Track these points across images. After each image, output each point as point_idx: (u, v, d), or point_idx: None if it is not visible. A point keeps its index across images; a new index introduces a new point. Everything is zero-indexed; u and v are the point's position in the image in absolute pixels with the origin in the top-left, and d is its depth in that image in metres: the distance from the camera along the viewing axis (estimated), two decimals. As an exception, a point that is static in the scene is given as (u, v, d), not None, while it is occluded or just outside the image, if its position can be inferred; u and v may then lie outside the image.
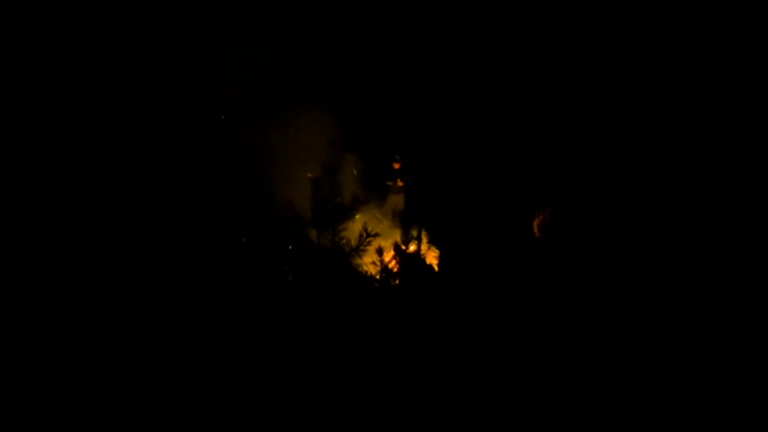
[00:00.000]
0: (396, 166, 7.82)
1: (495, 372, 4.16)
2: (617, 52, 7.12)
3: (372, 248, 4.90)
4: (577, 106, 7.27)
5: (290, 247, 4.59)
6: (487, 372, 4.16)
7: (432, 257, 6.96)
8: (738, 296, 4.62)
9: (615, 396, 3.99)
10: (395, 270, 5.27)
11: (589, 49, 7.28)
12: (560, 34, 7.46)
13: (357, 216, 4.75)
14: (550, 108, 7.41)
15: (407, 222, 7.59)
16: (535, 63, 7.55)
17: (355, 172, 6.86)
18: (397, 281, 5.12)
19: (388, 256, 5.69)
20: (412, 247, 7.29)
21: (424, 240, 7.26)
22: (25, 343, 4.38)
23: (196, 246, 5.28)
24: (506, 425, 3.96)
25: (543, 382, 4.10)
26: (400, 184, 7.86)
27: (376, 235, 4.83)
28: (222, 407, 3.97)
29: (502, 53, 7.70)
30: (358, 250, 4.74)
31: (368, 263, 4.97)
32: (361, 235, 4.74)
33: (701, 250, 5.23)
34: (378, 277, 4.98)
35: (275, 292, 4.47)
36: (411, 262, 5.40)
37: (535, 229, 5.41)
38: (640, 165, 6.48)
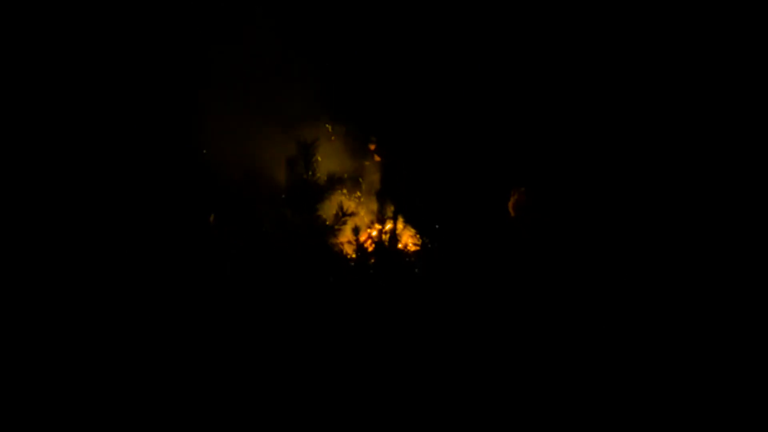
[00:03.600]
0: (372, 147, 7.80)
1: (474, 357, 4.18)
2: (597, 37, 7.14)
3: (348, 227, 4.87)
4: (554, 85, 7.28)
5: (265, 227, 4.54)
6: (466, 357, 4.17)
7: (408, 236, 6.97)
8: (736, 284, 4.63)
9: (600, 388, 4.01)
10: (371, 249, 5.26)
11: (567, 33, 7.28)
12: (540, 20, 7.45)
13: (333, 195, 4.72)
14: (527, 88, 7.42)
15: (383, 201, 7.57)
16: (509, 45, 7.54)
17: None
18: (372, 261, 5.11)
19: (364, 235, 5.67)
20: (388, 226, 7.29)
21: (400, 219, 7.26)
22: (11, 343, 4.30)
23: (166, 226, 5.20)
24: (489, 414, 3.98)
25: (524, 366, 4.12)
26: (377, 159, 7.83)
27: (352, 214, 4.80)
28: (196, 393, 3.93)
29: (476, 37, 7.67)
30: (334, 229, 4.72)
31: (344, 243, 4.95)
32: (336, 215, 4.71)
33: (685, 234, 5.27)
34: (354, 256, 4.96)
35: (248, 273, 4.43)
36: (386, 242, 5.40)
37: (511, 209, 5.42)
38: (620, 143, 6.52)
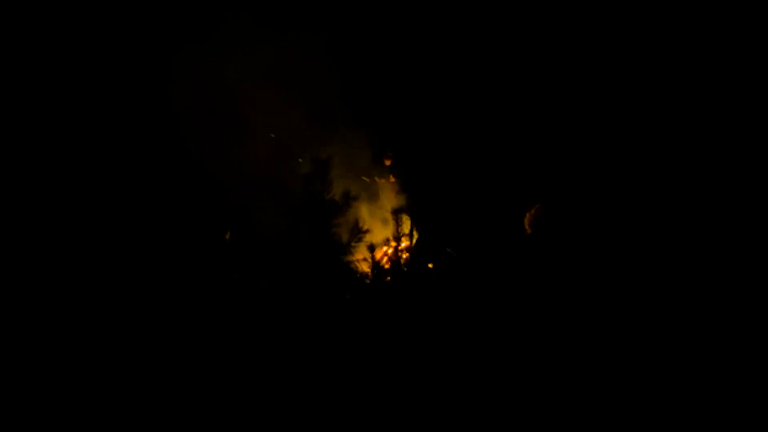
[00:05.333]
0: (387, 162, 7.80)
1: (489, 371, 4.15)
2: (608, 43, 7.10)
3: (363, 245, 4.88)
4: (568, 99, 7.26)
5: (280, 244, 4.56)
6: (481, 371, 4.15)
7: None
8: (738, 296, 4.60)
9: (609, 394, 3.98)
10: (387, 267, 5.25)
11: (579, 41, 7.26)
12: (550, 27, 7.43)
13: (348, 212, 4.73)
14: (540, 102, 7.41)
15: (399, 219, 7.57)
16: (525, 57, 7.53)
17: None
18: (388, 278, 5.11)
19: (380, 252, 5.66)
20: (404, 244, 7.27)
21: (416, 236, 7.24)
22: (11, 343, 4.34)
23: (180, 240, 5.22)
24: (500, 425, 3.95)
25: (538, 379, 4.09)
26: (392, 179, 7.84)
27: (367, 231, 4.81)
28: (207, 404, 3.94)
29: (491, 48, 7.67)
30: (350, 246, 4.73)
31: (360, 260, 4.94)
32: (352, 232, 4.72)
33: (699, 245, 5.22)
34: (370, 274, 4.96)
35: (263, 289, 4.44)
36: (403, 259, 5.39)
37: (527, 226, 5.41)
38: (634, 158, 6.48)
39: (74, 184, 6.11)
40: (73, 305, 4.61)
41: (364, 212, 7.17)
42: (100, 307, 4.55)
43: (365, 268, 4.97)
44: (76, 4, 6.87)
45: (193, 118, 6.84)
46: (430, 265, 5.96)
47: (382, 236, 7.06)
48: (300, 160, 6.57)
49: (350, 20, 7.74)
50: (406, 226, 7.47)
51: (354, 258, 4.84)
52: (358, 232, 4.71)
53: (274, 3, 7.42)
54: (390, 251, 7.11)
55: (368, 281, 4.96)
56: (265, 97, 7.14)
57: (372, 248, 5.00)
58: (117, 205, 5.96)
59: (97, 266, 5.03)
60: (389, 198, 7.89)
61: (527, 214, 5.40)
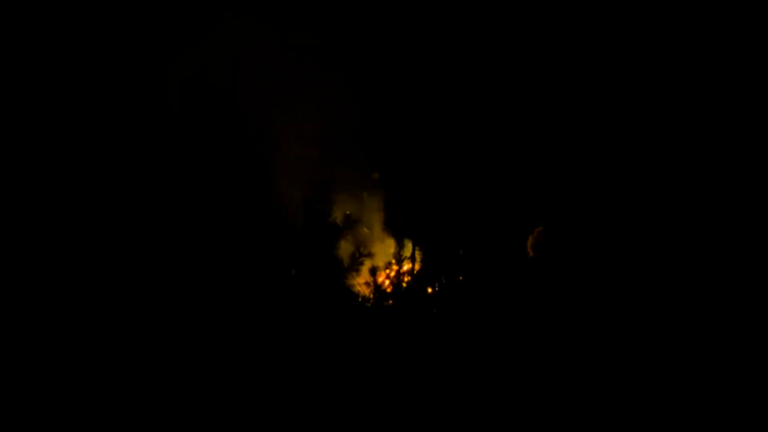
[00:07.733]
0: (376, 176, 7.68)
1: (491, 395, 4.13)
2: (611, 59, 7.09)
3: (365, 268, 4.86)
4: (568, 120, 7.26)
5: (284, 269, 4.53)
6: (482, 396, 4.12)
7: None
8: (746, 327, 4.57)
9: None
10: (389, 291, 5.23)
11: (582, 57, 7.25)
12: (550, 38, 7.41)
13: (350, 235, 4.73)
14: (540, 122, 7.40)
15: (401, 241, 7.53)
16: (523, 72, 7.52)
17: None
18: (390, 302, 5.08)
19: (382, 276, 5.64)
20: (406, 267, 7.25)
21: (418, 259, 7.21)
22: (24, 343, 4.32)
23: (181, 260, 5.20)
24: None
25: (539, 405, 4.07)
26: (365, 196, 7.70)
27: (369, 254, 4.80)
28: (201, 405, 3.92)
29: (488, 61, 7.65)
30: (351, 270, 4.71)
31: (362, 283, 4.92)
32: (353, 255, 4.71)
33: (701, 266, 5.18)
34: (371, 297, 4.94)
35: (264, 313, 4.41)
36: (405, 283, 5.37)
37: (529, 249, 5.40)
38: (637, 178, 6.45)
39: (78, 186, 6.10)
40: (76, 303, 4.58)
41: (366, 235, 7.14)
42: (101, 307, 4.53)
43: (367, 291, 4.95)
44: (76, 3, 6.89)
45: (190, 124, 6.80)
46: (430, 290, 5.93)
47: (385, 259, 7.05)
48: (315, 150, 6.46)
49: (352, 22, 7.71)
50: (408, 249, 7.44)
51: (356, 281, 4.82)
52: (359, 256, 4.70)
53: (274, 3, 7.39)
54: (392, 274, 7.08)
55: (369, 305, 4.93)
56: (265, 103, 7.11)
57: (374, 271, 4.98)
58: (120, 209, 5.93)
59: (98, 266, 5.00)
60: (392, 220, 7.84)
61: (530, 237, 5.40)
